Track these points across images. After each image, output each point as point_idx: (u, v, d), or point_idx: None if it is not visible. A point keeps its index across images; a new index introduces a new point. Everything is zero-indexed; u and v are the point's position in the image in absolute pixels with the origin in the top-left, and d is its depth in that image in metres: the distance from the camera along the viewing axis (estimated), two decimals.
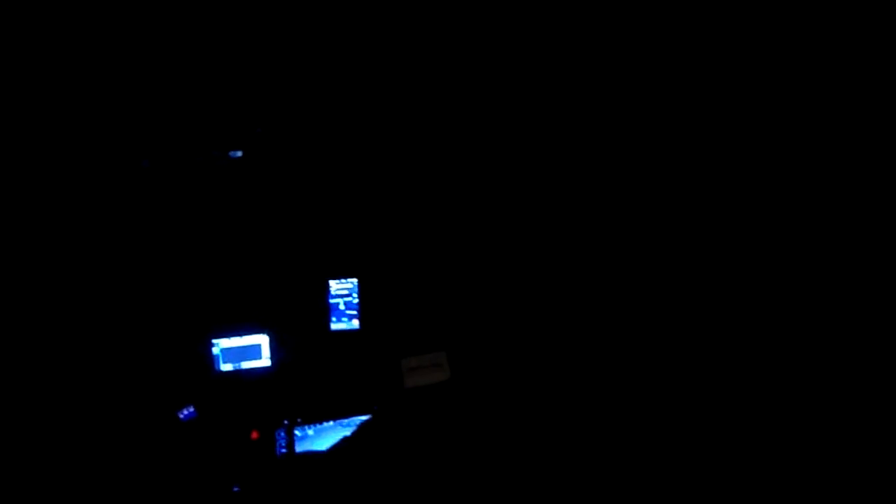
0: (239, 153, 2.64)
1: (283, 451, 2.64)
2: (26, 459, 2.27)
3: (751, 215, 2.07)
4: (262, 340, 2.77)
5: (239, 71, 2.35)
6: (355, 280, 2.89)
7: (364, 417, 2.66)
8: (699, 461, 1.92)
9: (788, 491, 1.79)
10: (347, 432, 2.60)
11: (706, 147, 2.19)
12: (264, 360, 2.77)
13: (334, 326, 2.90)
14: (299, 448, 2.64)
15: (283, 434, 2.65)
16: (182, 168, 2.58)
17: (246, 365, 2.76)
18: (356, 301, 2.89)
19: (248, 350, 2.76)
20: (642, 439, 2.04)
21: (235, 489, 2.55)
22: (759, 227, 2.05)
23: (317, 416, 2.67)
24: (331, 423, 2.67)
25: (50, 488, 2.26)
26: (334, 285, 2.89)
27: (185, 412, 2.66)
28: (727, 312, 2.10)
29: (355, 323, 2.90)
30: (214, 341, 2.73)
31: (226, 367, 2.74)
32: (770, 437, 1.88)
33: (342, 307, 2.89)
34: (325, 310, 2.89)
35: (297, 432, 2.65)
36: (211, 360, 2.73)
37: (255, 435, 2.66)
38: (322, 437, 2.66)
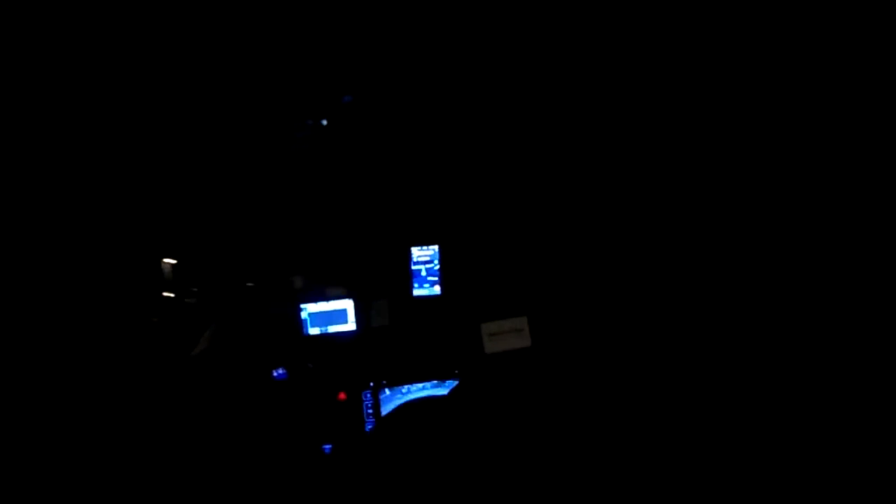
0: (324, 122, 2.69)
1: (370, 412, 2.72)
2: (135, 413, 2.45)
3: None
4: (348, 305, 2.85)
5: (333, 35, 2.35)
6: (436, 247, 2.90)
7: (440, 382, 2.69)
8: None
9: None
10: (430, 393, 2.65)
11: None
12: (350, 325, 2.86)
13: (416, 292, 2.93)
14: (384, 410, 2.71)
15: (368, 396, 2.72)
16: (278, 138, 2.66)
17: (332, 329, 2.86)
18: (437, 267, 2.90)
19: (334, 314, 2.85)
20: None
21: (326, 448, 2.66)
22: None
23: (400, 380, 2.73)
24: (414, 386, 2.72)
25: (154, 440, 2.44)
26: (416, 252, 2.91)
27: (277, 372, 2.80)
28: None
29: (437, 289, 2.92)
30: (302, 306, 2.84)
31: (313, 330, 2.85)
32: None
33: (424, 273, 2.92)
34: (408, 276, 2.93)
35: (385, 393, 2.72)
36: (300, 324, 2.85)
37: (342, 396, 2.75)
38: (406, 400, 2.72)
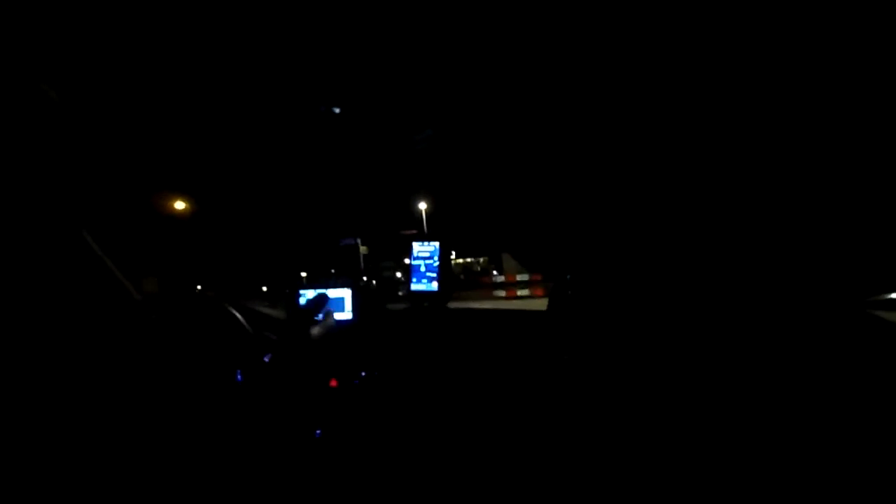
0: (336, 109, 2.74)
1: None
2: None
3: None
4: (346, 294, 2.87)
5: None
6: (437, 243, 2.97)
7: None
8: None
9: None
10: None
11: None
12: (347, 313, 2.87)
13: (414, 287, 2.99)
14: None
15: (358, 384, 2.75)
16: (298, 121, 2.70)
17: None
18: (437, 264, 2.97)
19: (332, 302, 2.85)
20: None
21: (317, 433, 2.65)
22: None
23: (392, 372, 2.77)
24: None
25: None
26: (417, 247, 2.97)
27: (269, 356, 2.78)
28: None
29: (434, 285, 2.98)
30: (301, 292, 2.84)
31: None
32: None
33: (423, 269, 2.98)
34: (407, 271, 2.98)
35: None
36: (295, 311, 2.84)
37: (333, 383, 2.76)
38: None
